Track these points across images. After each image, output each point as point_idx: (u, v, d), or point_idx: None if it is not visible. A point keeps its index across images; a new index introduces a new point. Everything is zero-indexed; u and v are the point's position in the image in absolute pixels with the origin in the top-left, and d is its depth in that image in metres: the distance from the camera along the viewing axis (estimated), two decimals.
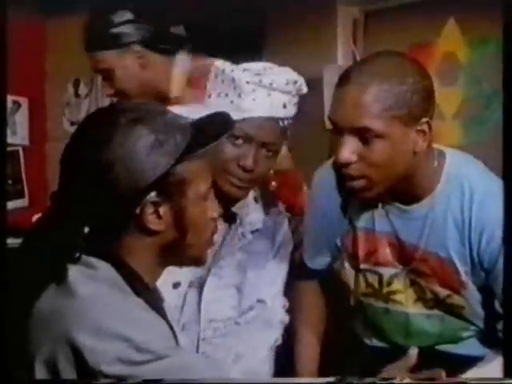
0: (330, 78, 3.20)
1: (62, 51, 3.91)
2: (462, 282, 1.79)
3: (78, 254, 1.40)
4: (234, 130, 1.80)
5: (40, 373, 1.35)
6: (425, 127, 1.67)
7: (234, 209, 1.99)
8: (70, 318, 1.34)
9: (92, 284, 1.37)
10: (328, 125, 3.10)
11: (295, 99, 1.90)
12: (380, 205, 1.81)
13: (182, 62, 2.52)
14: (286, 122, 1.89)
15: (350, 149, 1.65)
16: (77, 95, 4.01)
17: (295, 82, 1.89)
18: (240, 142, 1.86)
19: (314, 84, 3.20)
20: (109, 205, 1.37)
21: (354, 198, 1.79)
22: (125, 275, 1.41)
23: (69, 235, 1.40)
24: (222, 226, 1.97)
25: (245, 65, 1.92)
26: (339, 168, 1.69)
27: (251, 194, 2.04)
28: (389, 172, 1.67)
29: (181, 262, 1.52)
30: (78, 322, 1.32)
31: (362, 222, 1.86)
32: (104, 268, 1.40)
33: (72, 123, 3.95)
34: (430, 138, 1.69)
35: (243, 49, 3.46)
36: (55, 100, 4.07)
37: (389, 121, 1.62)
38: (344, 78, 1.66)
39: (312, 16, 3.26)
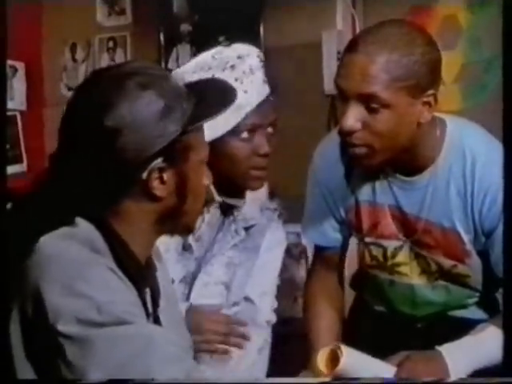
0: (328, 43, 3.18)
1: (58, 15, 3.88)
2: (467, 251, 1.80)
3: (73, 217, 1.38)
4: (240, 128, 1.83)
5: (15, 334, 1.33)
6: (431, 99, 1.66)
7: (231, 201, 1.94)
8: (34, 273, 1.32)
9: (65, 241, 1.35)
10: (327, 90, 3.14)
11: (264, 68, 1.90)
12: (382, 177, 1.80)
13: None
14: (270, 94, 1.90)
15: (354, 116, 1.64)
16: (74, 60, 3.98)
17: (259, 53, 1.89)
18: (248, 134, 1.86)
19: (313, 49, 3.21)
20: (113, 170, 1.35)
21: (357, 165, 1.78)
22: (108, 240, 1.39)
23: (67, 198, 1.38)
24: (214, 220, 1.95)
25: (206, 57, 1.87)
26: (343, 135, 1.67)
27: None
28: (392, 142, 1.66)
29: (174, 231, 1.51)
30: (43, 278, 1.31)
31: (365, 194, 1.84)
32: (85, 228, 1.38)
33: (69, 88, 3.92)
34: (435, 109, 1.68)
35: (242, 14, 3.45)
36: (52, 65, 4.03)
37: (396, 91, 1.61)
38: (352, 45, 1.65)
39: None
